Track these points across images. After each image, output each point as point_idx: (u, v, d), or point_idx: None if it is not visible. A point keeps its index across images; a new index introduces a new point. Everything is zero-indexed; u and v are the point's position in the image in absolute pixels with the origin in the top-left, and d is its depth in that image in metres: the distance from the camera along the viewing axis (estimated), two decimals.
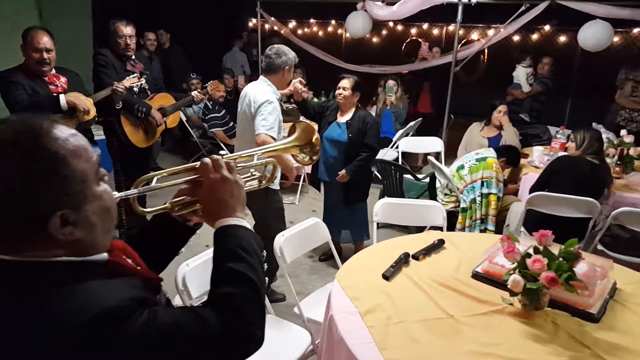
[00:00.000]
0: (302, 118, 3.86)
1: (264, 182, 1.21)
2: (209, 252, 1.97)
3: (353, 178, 3.27)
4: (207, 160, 1.02)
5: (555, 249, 1.71)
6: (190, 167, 1.07)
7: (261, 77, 2.92)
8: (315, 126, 2.70)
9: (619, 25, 5.80)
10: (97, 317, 0.72)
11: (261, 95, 2.76)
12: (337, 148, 3.35)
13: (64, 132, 0.80)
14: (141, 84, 3.38)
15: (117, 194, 0.94)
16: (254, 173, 1.21)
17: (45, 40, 2.80)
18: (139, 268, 0.97)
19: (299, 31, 8.70)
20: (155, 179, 1.04)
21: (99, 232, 0.84)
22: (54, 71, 2.96)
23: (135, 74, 3.35)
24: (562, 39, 7.19)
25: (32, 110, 2.67)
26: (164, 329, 0.78)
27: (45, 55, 2.80)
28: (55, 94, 2.85)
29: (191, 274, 1.92)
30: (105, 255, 0.87)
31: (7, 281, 0.75)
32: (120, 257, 0.92)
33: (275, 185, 2.86)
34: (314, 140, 1.31)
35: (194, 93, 3.89)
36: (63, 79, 2.93)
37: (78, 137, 0.82)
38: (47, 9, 5.03)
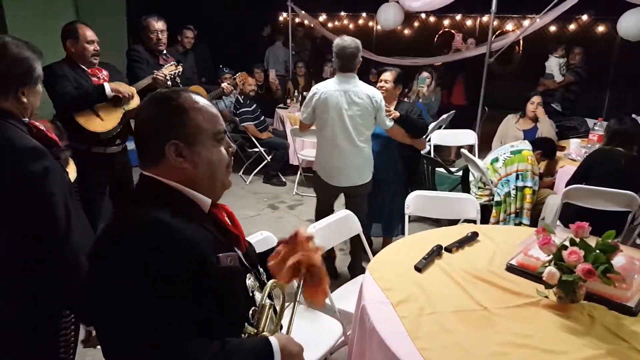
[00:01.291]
0: None
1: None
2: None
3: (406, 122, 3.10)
4: None
5: (592, 241, 1.68)
6: None
7: (344, 73, 2.92)
8: None
9: None
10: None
11: (373, 91, 2.93)
12: (380, 143, 3.21)
13: (196, 98, 1.10)
14: (179, 72, 3.47)
15: None
16: None
17: (92, 33, 2.91)
18: (233, 229, 1.20)
19: (329, 24, 8.72)
20: None
21: (202, 173, 1.08)
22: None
23: (172, 62, 3.45)
24: (601, 28, 6.93)
25: (79, 101, 2.79)
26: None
27: (98, 47, 2.92)
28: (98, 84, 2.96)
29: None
30: (208, 200, 1.12)
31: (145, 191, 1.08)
32: (221, 213, 1.18)
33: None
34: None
35: (224, 85, 3.97)
36: (105, 72, 3.03)
37: (210, 107, 1.11)
38: (83, 6, 5.21)
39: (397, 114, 3.03)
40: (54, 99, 2.85)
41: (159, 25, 3.49)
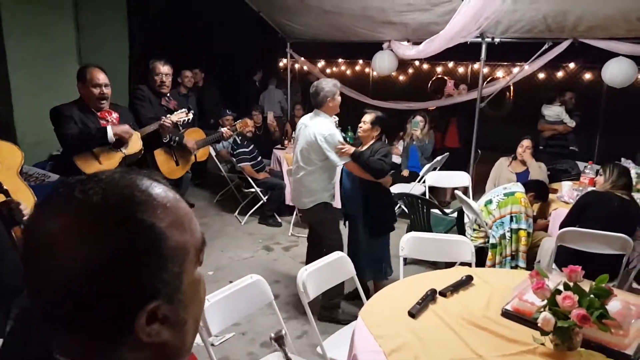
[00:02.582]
0: None
1: None
2: (231, 287, 2.03)
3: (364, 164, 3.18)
4: None
5: (587, 285, 1.68)
6: None
7: (315, 110, 3.31)
8: None
9: None
10: None
11: (321, 130, 3.18)
12: (351, 179, 3.40)
13: (165, 196, 0.60)
14: (188, 119, 3.54)
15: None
16: None
17: (102, 77, 2.97)
18: None
19: (328, 70, 8.97)
20: None
21: (189, 332, 0.63)
22: (107, 107, 3.10)
23: (183, 109, 3.53)
24: (588, 76, 7.17)
25: (81, 141, 2.83)
26: None
27: (105, 90, 2.97)
28: (97, 124, 2.99)
29: (211, 309, 1.90)
30: None
31: None
32: None
33: (331, 199, 3.35)
34: None
35: (224, 129, 4.04)
36: (115, 115, 3.07)
37: (180, 202, 0.62)
38: (86, 48, 5.32)
39: (351, 151, 3.17)
40: (59, 139, 2.89)
41: (164, 69, 3.63)
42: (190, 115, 3.53)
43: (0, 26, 4.59)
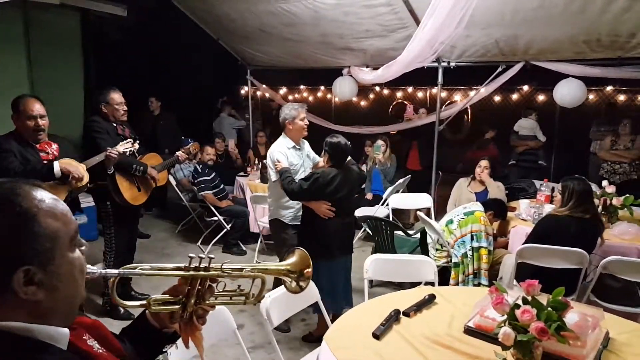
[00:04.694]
0: None
1: (250, 299, 1.19)
2: None
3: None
4: None
5: (545, 299, 1.70)
6: (176, 268, 1.08)
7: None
8: None
9: (593, 84, 6.16)
10: None
11: (270, 150, 3.52)
12: None
13: (42, 195, 0.83)
14: (135, 149, 3.46)
15: (96, 271, 0.94)
16: (242, 289, 1.20)
17: (37, 107, 2.84)
18: (100, 352, 0.93)
19: (290, 97, 9.06)
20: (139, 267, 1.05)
21: (61, 298, 0.82)
22: (46, 138, 2.99)
23: (129, 139, 3.44)
24: (541, 97, 7.52)
25: (26, 176, 2.67)
26: None
27: (40, 122, 2.84)
28: (46, 161, 2.87)
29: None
30: (66, 331, 0.84)
31: None
32: (81, 337, 0.91)
33: (289, 220, 3.47)
34: (305, 271, 1.25)
35: (179, 153, 3.97)
36: (54, 146, 2.96)
37: (58, 202, 0.85)
38: (38, 80, 5.18)
39: (278, 168, 3.33)
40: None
41: (120, 98, 3.56)
42: (137, 145, 3.45)
43: None
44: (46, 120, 2.90)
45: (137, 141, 3.49)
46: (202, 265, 1.06)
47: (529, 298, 1.70)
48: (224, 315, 2.09)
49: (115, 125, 3.54)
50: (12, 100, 2.85)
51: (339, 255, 3.25)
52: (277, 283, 3.27)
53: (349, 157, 3.30)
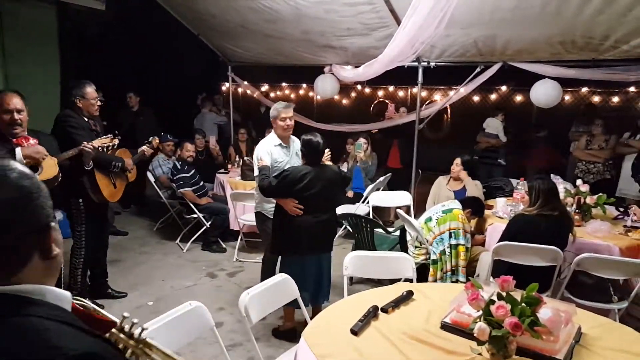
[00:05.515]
0: None
1: None
2: (168, 315, 1.94)
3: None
4: None
5: (519, 295, 1.73)
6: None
7: None
8: None
9: (569, 85, 6.30)
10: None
11: (258, 145, 3.65)
12: None
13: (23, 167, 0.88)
14: (113, 145, 3.42)
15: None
16: None
17: (15, 102, 2.77)
18: (100, 315, 1.00)
19: (272, 94, 9.02)
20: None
21: (58, 259, 0.88)
22: (25, 133, 2.89)
23: (109, 135, 3.40)
24: (519, 97, 7.66)
25: None
26: None
27: (17, 116, 2.76)
28: (10, 148, 2.77)
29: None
30: (68, 294, 0.88)
31: None
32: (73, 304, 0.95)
33: (270, 213, 3.50)
34: None
35: (143, 147, 3.94)
36: (32, 141, 2.86)
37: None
38: (13, 75, 5.07)
39: (261, 164, 3.42)
40: None
41: (94, 92, 3.51)
42: (116, 141, 3.42)
43: None
44: (24, 114, 2.82)
45: (118, 136, 3.45)
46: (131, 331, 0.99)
47: (504, 294, 1.73)
48: (202, 313, 2.07)
49: (87, 120, 3.48)
50: None
51: (310, 252, 3.22)
52: (263, 277, 3.30)
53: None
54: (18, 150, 2.71)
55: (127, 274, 4.44)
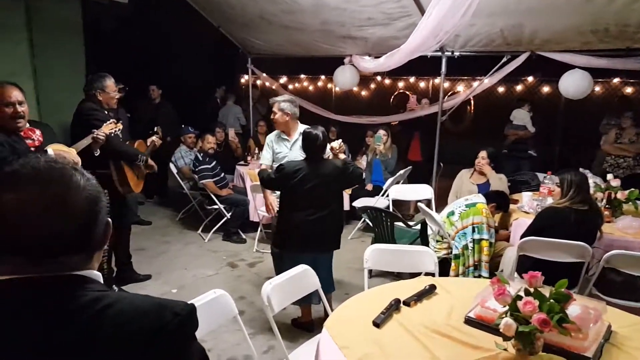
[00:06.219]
0: None
1: None
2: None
3: None
4: None
5: (547, 291, 1.68)
6: None
7: None
8: None
9: (599, 75, 6.10)
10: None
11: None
12: None
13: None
14: (119, 129, 3.44)
15: None
16: None
17: (15, 94, 2.70)
18: None
19: (290, 86, 8.99)
20: None
21: None
22: (27, 125, 2.84)
23: (111, 120, 3.40)
24: (546, 89, 7.46)
25: None
26: None
27: (19, 108, 2.70)
28: (33, 148, 2.77)
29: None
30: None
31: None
32: None
33: None
34: None
35: (153, 138, 3.95)
36: (38, 132, 2.85)
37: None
38: (41, 69, 5.16)
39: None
40: None
41: (114, 85, 3.57)
42: (120, 126, 3.43)
43: None
44: (26, 107, 2.76)
45: (121, 121, 3.49)
46: None
47: (531, 290, 1.68)
48: (226, 301, 2.08)
49: (106, 112, 3.52)
50: None
51: (302, 250, 3.11)
52: (276, 271, 3.30)
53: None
54: (49, 150, 2.74)
55: (150, 262, 4.52)
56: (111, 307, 0.80)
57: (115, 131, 3.38)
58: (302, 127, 3.52)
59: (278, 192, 3.46)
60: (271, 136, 3.75)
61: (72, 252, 0.83)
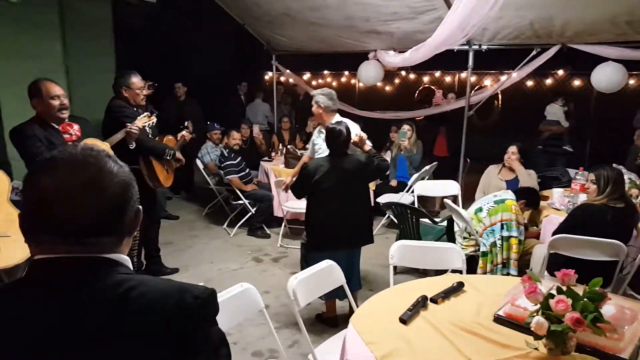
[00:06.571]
0: None
1: None
2: (221, 295, 1.98)
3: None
4: None
5: (580, 290, 1.63)
6: None
7: None
8: None
9: (634, 68, 5.88)
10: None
11: None
12: None
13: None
14: (152, 122, 3.51)
15: None
16: None
17: (58, 88, 2.84)
18: None
19: (314, 82, 9.00)
20: None
21: None
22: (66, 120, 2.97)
23: (145, 113, 3.48)
24: (577, 82, 7.24)
25: None
26: None
27: (64, 101, 2.85)
28: (70, 142, 2.87)
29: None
30: None
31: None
32: None
33: None
34: None
35: (183, 132, 4.02)
36: (76, 127, 2.96)
37: None
38: (73, 66, 5.31)
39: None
40: (26, 160, 2.75)
41: (141, 82, 3.63)
42: (154, 118, 3.51)
43: None
44: (67, 100, 2.89)
45: (155, 113, 3.57)
46: None
47: (564, 288, 1.63)
48: (252, 295, 2.10)
49: (135, 109, 3.59)
50: (30, 85, 2.82)
51: (323, 247, 3.07)
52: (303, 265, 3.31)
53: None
54: None
55: (178, 256, 4.62)
56: (135, 289, 0.83)
57: (150, 124, 3.46)
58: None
59: None
60: (316, 131, 3.88)
61: (103, 235, 0.86)
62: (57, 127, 2.87)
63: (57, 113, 2.82)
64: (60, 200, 0.82)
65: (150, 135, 3.64)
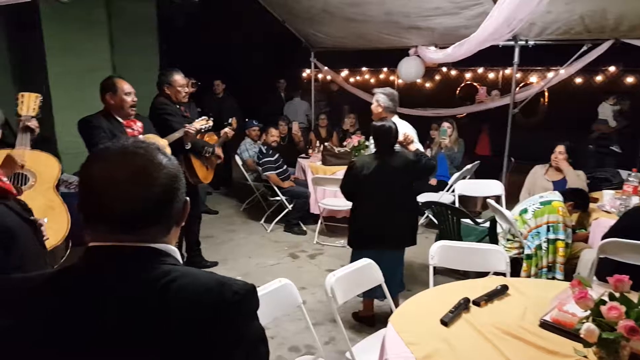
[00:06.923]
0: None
1: None
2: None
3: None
4: None
5: (634, 297, 1.55)
6: None
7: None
8: None
9: None
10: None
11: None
12: None
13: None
14: (209, 126, 3.63)
15: None
16: None
17: (129, 86, 3.04)
18: None
19: (352, 79, 8.94)
20: None
21: None
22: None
23: (204, 117, 3.64)
24: (630, 79, 6.87)
25: None
26: None
27: (135, 98, 3.06)
28: (132, 137, 3.05)
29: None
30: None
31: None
32: None
33: None
34: None
35: (225, 129, 4.08)
36: (139, 124, 3.13)
37: None
38: (119, 62, 5.52)
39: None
40: (89, 150, 2.91)
41: (184, 80, 3.71)
42: (211, 123, 3.63)
43: (42, 43, 4.84)
44: (136, 98, 3.10)
45: (211, 117, 3.67)
46: None
47: (617, 294, 1.55)
48: (290, 290, 2.11)
49: (178, 106, 3.68)
50: (104, 81, 3.03)
51: (365, 246, 3.03)
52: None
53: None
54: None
55: (217, 249, 4.72)
56: (176, 280, 0.84)
57: (207, 127, 3.60)
58: (398, 122, 3.36)
59: None
60: None
61: (151, 224, 0.88)
62: (121, 121, 3.03)
63: (129, 109, 3.02)
64: (109, 189, 0.84)
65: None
